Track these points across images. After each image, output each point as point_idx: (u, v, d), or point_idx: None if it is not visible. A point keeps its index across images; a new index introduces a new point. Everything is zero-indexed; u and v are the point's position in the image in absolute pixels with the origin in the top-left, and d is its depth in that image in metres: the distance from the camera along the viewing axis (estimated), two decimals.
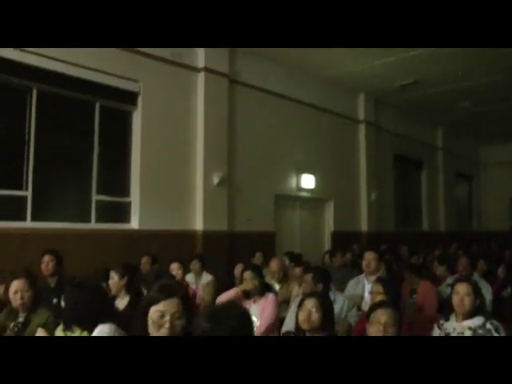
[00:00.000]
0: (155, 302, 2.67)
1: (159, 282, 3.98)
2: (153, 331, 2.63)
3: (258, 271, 5.72)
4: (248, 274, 5.52)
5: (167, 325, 2.60)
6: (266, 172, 10.27)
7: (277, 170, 10.63)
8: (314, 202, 11.85)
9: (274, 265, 6.75)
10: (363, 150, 13.22)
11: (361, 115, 13.23)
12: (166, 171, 8.53)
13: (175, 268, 6.59)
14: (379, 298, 4.56)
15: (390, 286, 4.85)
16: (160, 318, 2.63)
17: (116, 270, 5.18)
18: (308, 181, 11.34)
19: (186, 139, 8.87)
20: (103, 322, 3.29)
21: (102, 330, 3.22)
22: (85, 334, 3.58)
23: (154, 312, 2.65)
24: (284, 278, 6.71)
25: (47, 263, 5.96)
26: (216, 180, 8.99)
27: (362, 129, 13.24)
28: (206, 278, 7.40)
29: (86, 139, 7.87)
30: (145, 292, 4.99)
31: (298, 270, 6.72)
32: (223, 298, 5.61)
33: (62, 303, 3.88)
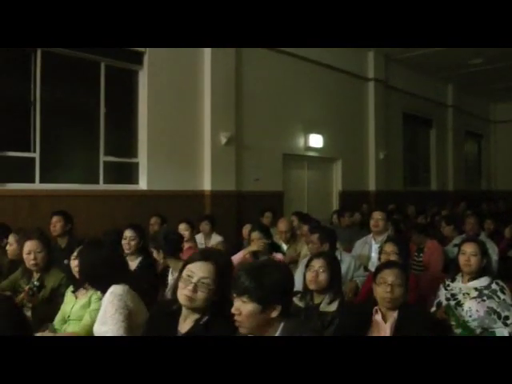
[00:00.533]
0: (191, 261, 2.74)
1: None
2: (180, 289, 2.70)
3: (266, 231, 5.75)
4: (256, 235, 5.55)
5: (190, 286, 2.65)
6: (273, 131, 10.21)
7: (285, 129, 10.57)
8: (321, 161, 11.81)
9: (281, 225, 6.76)
10: (372, 108, 13.08)
11: (370, 73, 13.05)
12: (174, 131, 8.49)
13: (183, 228, 6.59)
14: (392, 257, 4.59)
15: (402, 246, 4.89)
16: (188, 278, 2.69)
17: (130, 230, 5.23)
18: (316, 140, 11.28)
19: (193, 98, 8.80)
20: (117, 282, 3.26)
21: (114, 291, 3.19)
22: (96, 294, 3.62)
23: (186, 270, 2.72)
24: (292, 238, 6.73)
25: (55, 224, 6.03)
26: (224, 139, 8.95)
27: (371, 87, 13.08)
28: (216, 239, 7.43)
29: (93, 100, 7.84)
30: (154, 252, 5.01)
31: (305, 228, 6.73)
32: (233, 260, 5.65)
33: (73, 262, 3.88)
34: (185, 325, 2.76)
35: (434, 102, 15.95)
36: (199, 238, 7.41)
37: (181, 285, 2.70)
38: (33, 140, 7.19)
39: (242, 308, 2.34)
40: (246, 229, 7.30)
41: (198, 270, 2.68)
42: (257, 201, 9.32)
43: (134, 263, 5.13)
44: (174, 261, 4.79)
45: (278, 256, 5.51)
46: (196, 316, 2.73)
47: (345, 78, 12.22)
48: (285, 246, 6.49)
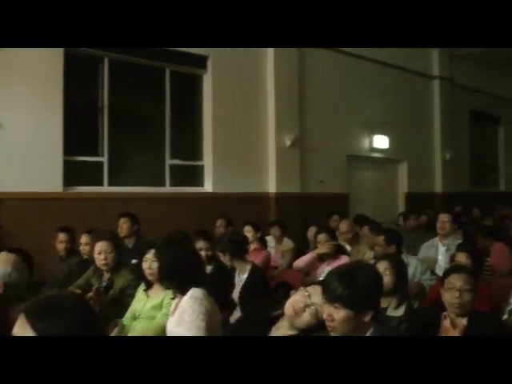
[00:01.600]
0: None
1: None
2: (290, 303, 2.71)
3: (332, 233, 5.67)
4: (322, 237, 5.47)
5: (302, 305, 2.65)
6: (337, 132, 10.07)
7: (349, 130, 10.41)
8: (386, 162, 11.58)
9: (343, 225, 6.71)
10: (437, 107, 12.73)
11: (435, 70, 12.71)
12: (238, 134, 8.51)
13: (247, 230, 6.54)
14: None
15: (475, 254, 4.72)
16: (306, 297, 2.68)
17: (203, 241, 5.18)
18: (381, 141, 11.07)
19: (257, 101, 8.79)
20: (196, 284, 3.23)
21: (194, 295, 3.16)
22: (168, 298, 3.57)
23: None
24: (354, 240, 6.65)
25: (121, 225, 6.11)
26: (288, 142, 8.90)
27: (436, 85, 12.74)
28: (287, 244, 7.31)
29: (158, 104, 7.96)
30: (220, 255, 4.98)
31: (365, 230, 6.66)
32: (301, 262, 5.59)
33: (144, 264, 3.91)
34: (276, 334, 2.74)
35: (503, 99, 15.36)
36: (269, 241, 7.30)
37: (293, 297, 2.70)
38: (101, 145, 7.39)
39: (335, 314, 2.31)
40: (311, 231, 7.21)
41: (317, 296, 2.60)
42: (321, 203, 9.21)
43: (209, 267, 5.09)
44: (240, 262, 4.81)
45: (344, 258, 5.41)
46: (291, 332, 2.69)
47: (409, 76, 11.94)
48: (348, 248, 6.38)
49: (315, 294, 2.62)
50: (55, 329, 1.52)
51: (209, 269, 5.03)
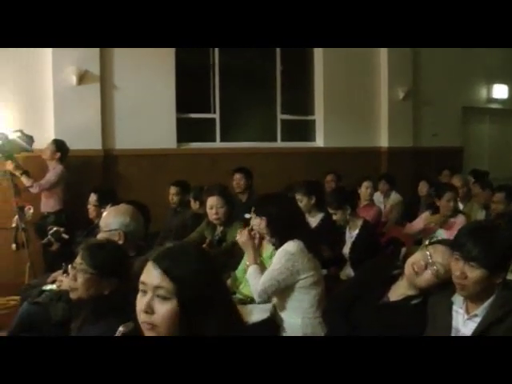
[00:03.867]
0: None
1: None
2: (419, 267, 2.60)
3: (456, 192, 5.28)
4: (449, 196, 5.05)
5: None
6: (453, 83, 9.31)
7: (464, 80, 9.60)
8: (506, 114, 10.68)
9: (456, 180, 6.30)
10: None
11: None
12: (350, 87, 8.18)
13: (367, 186, 6.30)
14: None
15: None
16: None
17: (301, 191, 5.07)
18: (500, 91, 10.18)
19: (370, 53, 8.31)
20: (294, 237, 3.24)
21: (287, 249, 3.23)
22: (270, 250, 3.58)
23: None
24: (467, 196, 6.23)
25: (238, 181, 6.14)
26: (401, 94, 8.45)
27: None
28: (395, 198, 7.02)
29: (269, 59, 7.81)
30: (329, 209, 4.80)
31: (477, 187, 6.21)
32: (413, 229, 5.23)
33: (253, 220, 3.81)
34: (395, 294, 2.63)
35: None
36: (377, 196, 7.06)
37: (413, 256, 2.62)
38: (213, 101, 7.45)
39: (469, 273, 2.20)
40: (422, 186, 7.00)
41: (438, 255, 2.54)
42: (434, 157, 8.73)
43: (314, 220, 4.99)
44: (351, 218, 4.66)
45: (460, 218, 4.99)
46: (411, 292, 2.62)
47: None
48: (460, 205, 5.91)
49: (436, 253, 2.53)
50: (186, 274, 1.53)
51: (318, 219, 4.97)
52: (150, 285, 1.52)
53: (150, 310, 1.50)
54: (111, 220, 3.21)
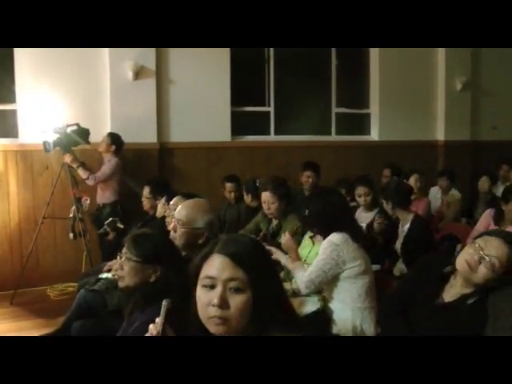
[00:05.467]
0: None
1: None
2: (462, 254, 2.50)
3: None
4: None
5: (476, 257, 2.40)
6: None
7: None
8: None
9: None
10: None
11: None
12: (406, 79, 7.94)
13: (416, 179, 6.21)
14: None
15: None
16: (477, 249, 2.44)
17: (367, 184, 5.16)
18: None
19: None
20: (339, 229, 3.28)
21: (332, 239, 3.26)
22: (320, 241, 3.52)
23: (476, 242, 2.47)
24: None
25: (307, 178, 6.21)
26: (459, 85, 8.13)
27: None
28: (454, 195, 6.75)
29: (324, 51, 7.66)
30: (383, 203, 4.76)
31: None
32: (480, 227, 4.93)
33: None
34: (449, 293, 2.48)
35: None
36: (435, 191, 6.93)
37: (464, 251, 2.43)
38: (267, 95, 7.41)
39: None
40: (482, 182, 6.71)
41: (491, 248, 2.36)
42: (494, 151, 8.35)
43: (369, 215, 5.02)
44: (402, 212, 4.58)
45: None
46: (466, 290, 2.44)
47: None
48: None
49: (488, 244, 2.37)
50: (257, 265, 1.51)
51: (373, 214, 4.98)
52: (220, 278, 1.47)
53: (224, 305, 1.45)
54: (196, 217, 3.09)
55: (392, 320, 2.65)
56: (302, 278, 3.30)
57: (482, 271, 2.34)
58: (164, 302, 1.51)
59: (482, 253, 2.34)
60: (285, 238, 3.65)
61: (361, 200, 5.19)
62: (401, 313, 2.59)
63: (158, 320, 1.51)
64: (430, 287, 2.53)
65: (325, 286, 3.37)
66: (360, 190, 5.16)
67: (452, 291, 2.47)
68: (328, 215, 3.34)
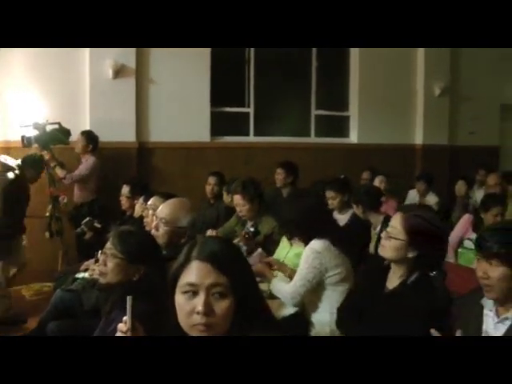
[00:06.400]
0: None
1: None
2: (381, 243, 2.62)
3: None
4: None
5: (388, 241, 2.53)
6: (491, 79, 8.95)
7: (504, 76, 9.22)
8: None
9: (491, 179, 6.12)
10: None
11: None
12: (385, 83, 7.96)
13: (377, 181, 6.29)
14: None
15: None
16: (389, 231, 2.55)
17: (334, 188, 5.08)
18: None
19: (406, 48, 8.10)
20: (319, 235, 3.22)
21: (313, 247, 3.21)
22: (301, 247, 3.49)
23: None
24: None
25: (278, 175, 6.15)
26: (437, 90, 8.18)
27: None
28: (431, 199, 6.80)
29: (304, 54, 7.67)
30: (353, 207, 4.85)
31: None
32: (457, 232, 4.96)
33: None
34: (391, 282, 2.56)
35: None
36: (413, 194, 6.99)
37: (382, 240, 2.55)
38: (247, 95, 7.39)
39: (490, 272, 2.11)
40: (459, 186, 6.78)
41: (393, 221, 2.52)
42: (471, 156, 8.45)
43: (344, 217, 4.94)
44: (373, 215, 4.68)
45: None
46: (402, 272, 2.52)
47: None
48: None
49: (392, 222, 2.53)
50: (238, 269, 1.51)
51: (347, 216, 4.94)
52: (202, 284, 1.44)
53: (209, 311, 1.42)
54: (180, 216, 3.13)
55: (348, 321, 2.72)
56: (286, 289, 3.28)
57: (387, 245, 2.48)
58: (128, 298, 1.49)
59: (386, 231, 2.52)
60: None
61: (330, 203, 5.17)
62: (353, 311, 2.67)
63: (125, 318, 1.49)
64: (375, 280, 2.61)
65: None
66: (327, 194, 5.10)
67: (393, 279, 2.53)
68: (305, 219, 3.31)
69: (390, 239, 2.47)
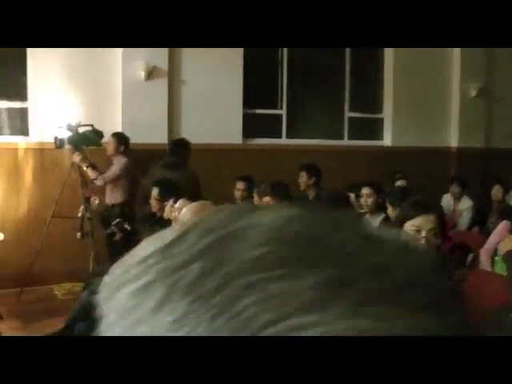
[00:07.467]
0: (409, 217, 2.55)
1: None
2: None
3: None
4: None
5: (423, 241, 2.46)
6: None
7: None
8: None
9: None
10: None
11: None
12: (420, 85, 7.85)
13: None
14: None
15: None
16: (416, 233, 2.49)
17: (371, 185, 5.03)
18: None
19: (441, 48, 7.95)
20: None
21: None
22: None
23: (408, 227, 2.51)
24: None
25: (301, 178, 6.09)
26: (473, 92, 8.02)
27: None
28: (465, 203, 6.67)
29: (338, 56, 7.60)
30: (388, 208, 4.67)
31: None
32: (494, 239, 4.80)
33: None
34: None
35: None
36: (447, 198, 6.80)
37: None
38: (280, 98, 7.35)
39: None
40: (495, 190, 6.59)
41: (423, 224, 2.50)
42: (507, 159, 8.26)
43: (375, 221, 4.82)
44: None
45: None
46: None
47: None
48: None
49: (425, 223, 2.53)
50: None
51: (379, 219, 4.83)
52: None
53: None
54: None
55: None
56: None
57: None
58: None
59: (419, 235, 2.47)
60: None
61: (363, 201, 5.05)
62: None
63: None
64: None
65: None
66: (363, 190, 5.03)
67: None
68: None
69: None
